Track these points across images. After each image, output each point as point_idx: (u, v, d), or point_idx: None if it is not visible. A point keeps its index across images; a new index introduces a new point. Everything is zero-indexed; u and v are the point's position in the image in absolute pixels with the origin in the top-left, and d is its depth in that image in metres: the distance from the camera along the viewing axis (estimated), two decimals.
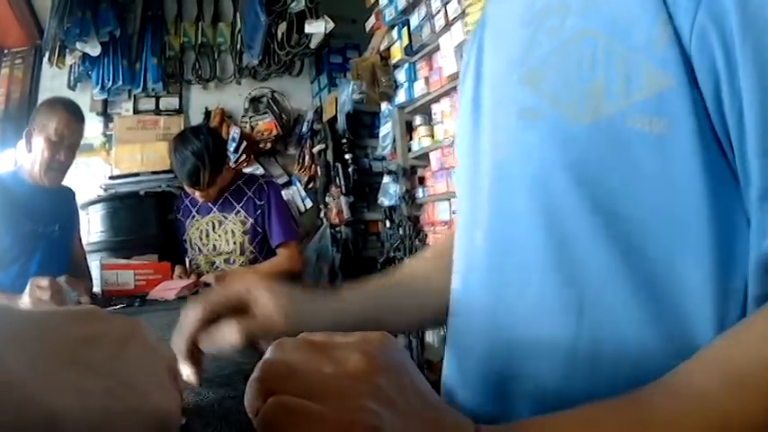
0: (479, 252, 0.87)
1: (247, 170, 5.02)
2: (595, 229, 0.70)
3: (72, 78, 5.28)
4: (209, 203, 3.28)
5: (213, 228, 3.28)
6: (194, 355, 0.92)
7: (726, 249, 0.65)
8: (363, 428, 0.47)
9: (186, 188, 3.22)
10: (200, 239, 3.32)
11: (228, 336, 0.89)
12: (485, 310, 0.85)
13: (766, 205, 0.61)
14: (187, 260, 3.37)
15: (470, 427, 0.55)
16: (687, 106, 0.63)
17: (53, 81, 5.26)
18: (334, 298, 1.03)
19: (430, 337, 3.72)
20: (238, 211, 3.22)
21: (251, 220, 3.21)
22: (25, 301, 2.23)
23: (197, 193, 3.17)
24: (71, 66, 5.27)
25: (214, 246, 3.28)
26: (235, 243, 3.23)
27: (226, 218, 3.25)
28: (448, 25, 3.24)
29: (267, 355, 0.52)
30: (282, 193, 3.70)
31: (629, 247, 0.68)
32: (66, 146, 2.87)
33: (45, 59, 5.22)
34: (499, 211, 0.83)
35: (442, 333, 3.35)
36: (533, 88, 0.78)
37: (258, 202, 3.23)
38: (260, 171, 5.32)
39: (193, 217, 3.36)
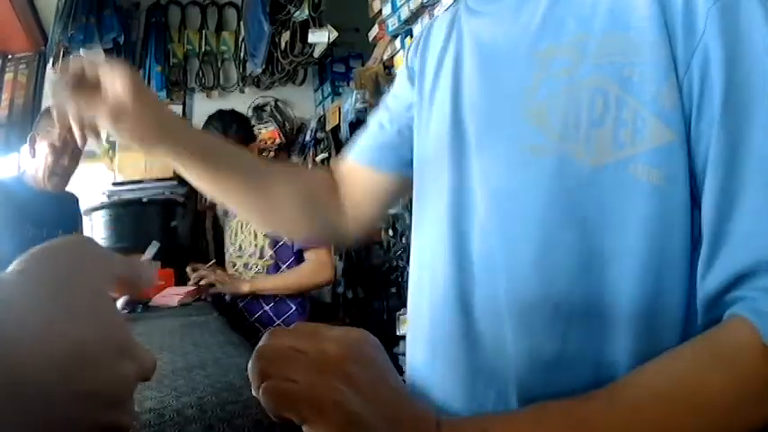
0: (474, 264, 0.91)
1: None
2: (585, 265, 0.78)
3: None
4: None
5: (241, 227, 3.24)
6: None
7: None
8: (330, 403, 0.54)
9: None
10: (230, 239, 3.30)
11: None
12: (462, 315, 0.90)
13: (716, 244, 0.71)
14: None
15: (432, 419, 0.62)
16: (683, 159, 0.72)
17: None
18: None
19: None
20: None
21: None
22: None
23: None
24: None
25: (240, 245, 3.24)
26: (256, 246, 3.18)
27: None
28: None
29: (263, 340, 0.61)
30: None
31: (616, 281, 0.77)
32: (71, 152, 2.89)
33: (49, 65, 5.19)
34: (496, 234, 0.87)
35: None
36: (540, 124, 0.81)
37: None
38: None
39: (231, 217, 3.36)
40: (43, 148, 2.82)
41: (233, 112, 3.30)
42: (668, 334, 0.75)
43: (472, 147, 0.92)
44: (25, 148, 2.97)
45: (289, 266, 3.15)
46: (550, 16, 0.84)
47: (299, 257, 3.14)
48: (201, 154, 1.10)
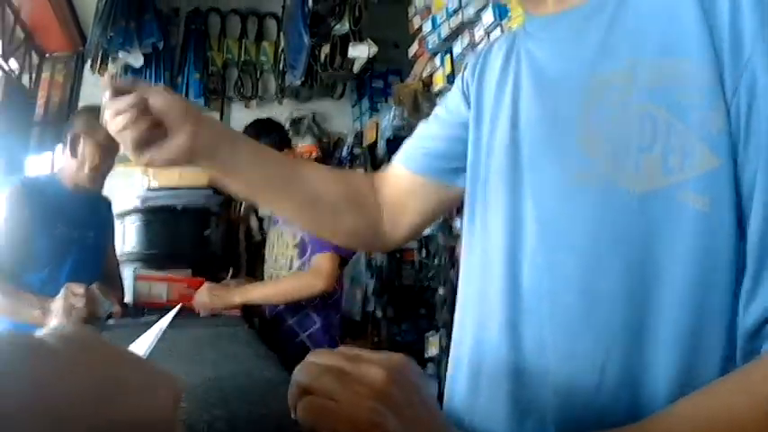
0: (524, 303, 0.91)
1: None
2: (629, 292, 0.78)
3: None
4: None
5: (277, 239, 3.22)
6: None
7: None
8: (368, 423, 0.58)
9: None
10: (268, 251, 3.28)
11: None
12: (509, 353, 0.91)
13: (760, 274, 0.70)
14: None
15: None
16: (730, 186, 0.71)
17: (94, 89, 5.27)
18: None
19: None
20: (293, 225, 3.09)
21: (300, 235, 3.04)
22: (58, 305, 2.23)
23: None
24: (113, 75, 5.26)
25: (275, 258, 3.20)
26: (285, 258, 3.12)
27: (285, 231, 3.16)
28: None
29: (307, 359, 0.65)
30: None
31: (658, 311, 0.76)
32: (114, 152, 2.92)
33: (87, 66, 5.26)
34: (544, 263, 0.87)
35: None
36: (589, 150, 0.82)
37: None
38: None
39: (270, 227, 3.36)
40: (89, 147, 2.82)
41: (268, 120, 3.31)
42: (708, 365, 0.74)
43: (526, 171, 0.93)
44: (59, 147, 2.97)
45: None
46: (606, 44, 0.84)
47: None
48: (241, 160, 1.12)
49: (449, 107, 1.21)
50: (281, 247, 3.16)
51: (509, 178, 0.95)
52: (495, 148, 1.01)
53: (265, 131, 3.10)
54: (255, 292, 3.00)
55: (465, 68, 1.20)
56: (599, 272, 0.80)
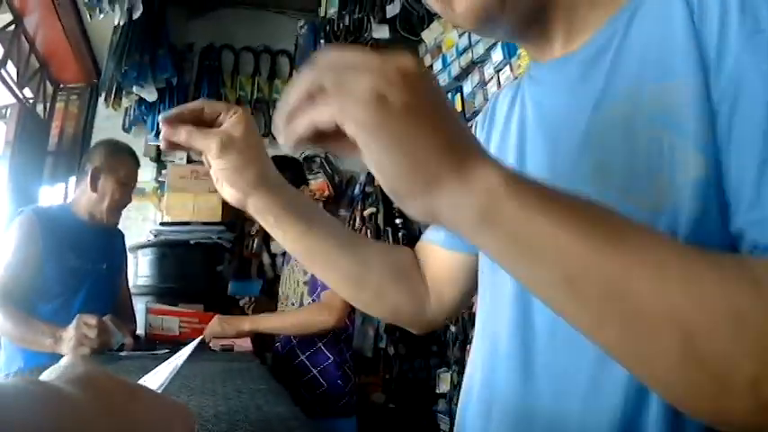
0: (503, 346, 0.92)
1: None
2: None
3: (127, 121, 5.37)
4: None
5: (289, 277, 3.24)
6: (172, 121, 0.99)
7: None
8: (369, 95, 0.54)
9: None
10: (282, 288, 3.29)
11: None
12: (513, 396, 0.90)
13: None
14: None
15: (479, 151, 0.60)
16: (715, 192, 0.71)
17: (108, 121, 5.37)
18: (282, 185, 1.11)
19: None
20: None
21: (312, 273, 2.97)
22: (70, 335, 2.25)
23: None
24: (126, 108, 5.36)
25: (287, 295, 3.21)
26: (296, 294, 3.14)
27: (296, 268, 3.19)
28: None
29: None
30: None
31: None
32: (132, 188, 3.01)
33: (101, 99, 5.29)
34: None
35: None
36: (602, 180, 0.81)
37: None
38: None
39: (285, 265, 3.36)
40: (110, 184, 2.87)
41: (284, 157, 3.35)
42: None
43: None
44: (76, 179, 3.03)
45: None
46: (610, 82, 0.85)
47: None
48: (295, 210, 1.09)
49: None
50: (291, 284, 3.18)
51: None
52: None
53: (282, 168, 3.13)
54: (265, 322, 3.03)
55: (475, 127, 1.19)
56: None
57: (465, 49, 3.60)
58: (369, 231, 5.17)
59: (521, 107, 1.02)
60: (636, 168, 0.77)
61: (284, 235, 1.11)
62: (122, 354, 2.37)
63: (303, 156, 5.58)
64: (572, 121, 0.88)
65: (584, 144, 0.85)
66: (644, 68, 0.80)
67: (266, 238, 4.70)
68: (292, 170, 3.19)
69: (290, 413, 1.25)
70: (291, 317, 3.02)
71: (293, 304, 3.12)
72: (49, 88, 5.17)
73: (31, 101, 4.81)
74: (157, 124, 5.24)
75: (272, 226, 1.10)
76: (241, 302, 3.20)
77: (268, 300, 3.15)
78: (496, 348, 0.95)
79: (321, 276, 1.19)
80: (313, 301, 3.01)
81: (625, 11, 0.86)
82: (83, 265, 2.86)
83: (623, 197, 0.77)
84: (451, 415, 3.70)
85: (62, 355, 2.12)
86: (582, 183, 0.83)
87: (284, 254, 3.40)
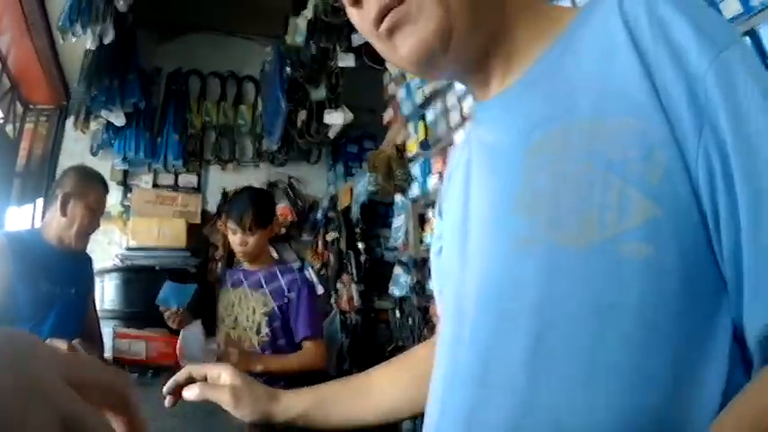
0: (459, 378, 0.88)
1: None
2: (579, 351, 0.74)
3: (95, 145, 5.39)
4: (242, 277, 3.30)
5: (239, 301, 3.26)
6: (177, 391, 1.22)
7: (695, 350, 0.72)
8: None
9: (230, 233, 3.25)
10: (225, 310, 3.31)
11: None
12: (460, 428, 0.85)
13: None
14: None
15: None
16: (672, 233, 0.70)
17: (76, 144, 5.39)
18: (285, 394, 1.30)
19: None
20: (265, 293, 3.20)
21: (274, 305, 3.18)
22: None
23: (236, 242, 3.20)
24: (94, 132, 5.37)
25: (235, 318, 3.25)
26: (252, 322, 3.19)
27: (252, 294, 3.23)
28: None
29: None
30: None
31: (603, 358, 0.73)
32: (100, 214, 3.05)
33: (69, 121, 5.31)
34: (484, 338, 0.84)
35: None
36: (529, 216, 0.81)
37: (287, 293, 3.20)
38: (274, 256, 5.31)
39: (225, 287, 3.37)
40: (79, 210, 2.88)
41: (266, 193, 3.44)
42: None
43: (471, 250, 0.92)
44: (40, 201, 3.02)
45: (287, 343, 3.21)
46: (543, 110, 0.85)
47: (295, 344, 3.24)
48: (311, 405, 1.28)
49: (437, 236, 1.20)
50: (244, 310, 3.23)
51: (458, 258, 0.95)
52: (449, 237, 1.02)
53: (262, 203, 3.33)
54: (275, 364, 3.13)
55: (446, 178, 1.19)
56: (546, 332, 0.77)
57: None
58: (331, 255, 5.18)
59: (468, 151, 1.02)
60: (563, 206, 0.77)
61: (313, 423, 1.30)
62: None
63: (268, 181, 5.60)
64: (510, 155, 0.88)
65: (519, 178, 0.85)
66: (579, 101, 0.80)
67: (230, 263, 4.69)
68: (268, 208, 3.28)
69: None
70: (295, 361, 3.18)
71: (248, 330, 3.20)
72: (19, 109, 5.17)
73: (1, 120, 4.80)
74: (124, 148, 5.26)
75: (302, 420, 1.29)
76: (166, 315, 3.17)
77: (191, 316, 3.14)
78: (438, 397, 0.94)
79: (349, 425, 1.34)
80: (270, 331, 3.17)
81: (559, 42, 0.87)
82: (53, 290, 2.86)
83: (551, 232, 0.78)
84: None
85: None
86: (516, 217, 0.83)
87: (224, 279, 3.44)
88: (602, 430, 0.72)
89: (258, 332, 3.16)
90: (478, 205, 0.93)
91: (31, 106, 5.35)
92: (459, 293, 0.92)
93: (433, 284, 1.24)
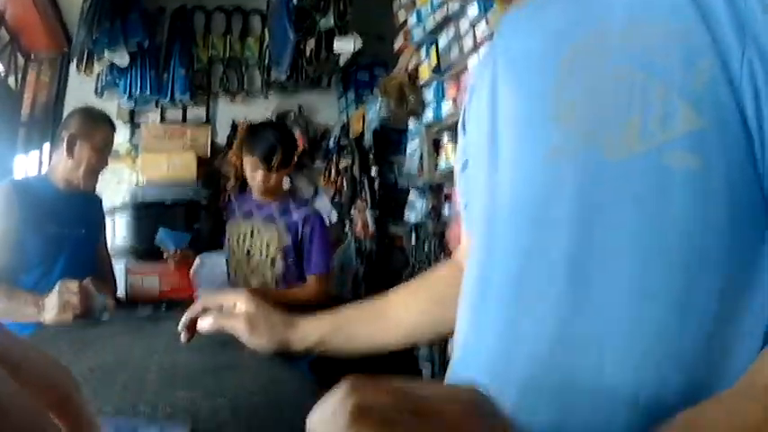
0: (493, 289, 0.86)
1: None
2: (618, 266, 0.71)
3: (99, 86, 5.37)
4: (253, 209, 3.28)
5: (251, 233, 3.25)
6: (192, 325, 1.27)
7: (741, 280, 0.68)
8: None
9: (250, 171, 3.20)
10: (237, 242, 3.30)
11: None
12: (497, 341, 0.83)
13: None
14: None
15: None
16: (718, 147, 0.66)
17: (80, 87, 5.34)
18: (302, 321, 1.31)
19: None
20: (279, 227, 3.19)
21: (289, 240, 3.18)
22: (53, 302, 2.24)
23: (258, 179, 3.15)
24: (98, 73, 5.36)
25: (248, 251, 3.24)
26: (266, 256, 3.19)
27: (266, 228, 3.22)
28: (476, 47, 3.21)
29: (341, 395, 0.46)
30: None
31: (647, 281, 0.70)
32: (108, 154, 3.02)
33: (72, 66, 5.28)
34: (519, 247, 0.82)
35: None
36: (565, 126, 0.78)
37: (301, 228, 3.19)
38: (287, 184, 5.29)
39: (236, 219, 3.35)
40: (85, 150, 2.87)
41: (288, 131, 3.40)
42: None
43: (501, 160, 0.89)
44: (47, 146, 3.00)
45: (299, 277, 3.24)
46: (571, 17, 0.83)
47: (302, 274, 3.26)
48: (329, 330, 1.29)
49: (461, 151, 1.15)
50: (257, 243, 3.23)
51: (488, 169, 0.92)
52: (476, 142, 1.00)
53: (287, 143, 3.27)
54: (274, 295, 3.08)
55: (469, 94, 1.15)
56: (584, 246, 0.74)
57: (440, 4, 3.55)
58: (345, 182, 5.17)
59: (492, 65, 0.98)
60: (601, 113, 0.74)
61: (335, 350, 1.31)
62: (105, 317, 2.37)
63: (278, 111, 5.57)
64: (542, 62, 0.85)
65: (553, 86, 0.82)
66: (610, 10, 0.77)
67: (242, 191, 4.68)
68: (291, 148, 3.24)
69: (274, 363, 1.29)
70: (292, 294, 3.16)
71: (259, 263, 3.21)
72: (21, 60, 5.13)
73: (2, 74, 4.78)
74: (129, 87, 5.22)
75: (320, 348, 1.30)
76: (165, 256, 3.19)
77: (194, 252, 3.14)
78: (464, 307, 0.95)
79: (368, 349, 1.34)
80: (286, 265, 3.19)
81: None
82: (61, 232, 2.86)
83: (586, 143, 0.75)
84: (433, 361, 3.74)
85: (46, 326, 2.12)
86: (550, 126, 0.80)
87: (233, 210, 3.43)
88: (643, 348, 0.69)
89: (273, 265, 3.17)
90: (509, 116, 0.90)
91: (33, 56, 5.32)
92: (489, 205, 0.90)
93: (459, 199, 1.21)
